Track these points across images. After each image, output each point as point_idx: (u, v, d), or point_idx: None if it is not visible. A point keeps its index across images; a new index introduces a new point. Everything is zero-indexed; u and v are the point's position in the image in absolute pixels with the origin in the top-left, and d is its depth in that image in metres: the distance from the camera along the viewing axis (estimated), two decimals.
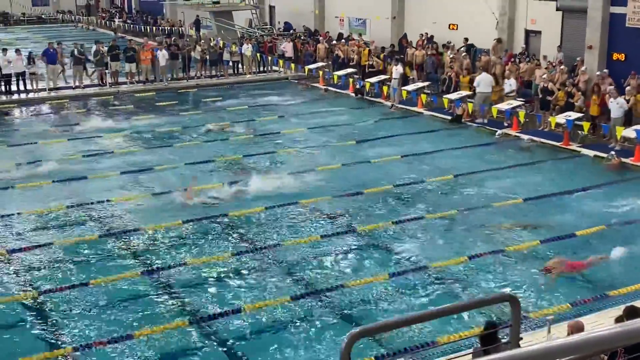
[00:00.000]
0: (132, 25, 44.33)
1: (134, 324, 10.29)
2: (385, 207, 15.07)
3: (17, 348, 9.72)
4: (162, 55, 28.06)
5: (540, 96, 21.19)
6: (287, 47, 31.47)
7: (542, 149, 19.42)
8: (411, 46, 28.60)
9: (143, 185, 16.58)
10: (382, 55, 27.87)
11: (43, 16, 53.67)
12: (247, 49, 30.41)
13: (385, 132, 21.39)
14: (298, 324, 10.23)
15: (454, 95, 23.21)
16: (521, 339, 4.18)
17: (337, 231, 13.70)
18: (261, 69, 31.44)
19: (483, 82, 22.12)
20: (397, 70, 25.30)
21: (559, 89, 20.81)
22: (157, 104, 25.75)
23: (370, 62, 27.72)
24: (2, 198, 15.53)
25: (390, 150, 19.32)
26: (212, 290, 11.39)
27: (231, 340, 9.88)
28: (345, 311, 10.61)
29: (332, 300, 10.89)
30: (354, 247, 13.06)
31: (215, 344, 9.82)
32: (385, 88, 25.44)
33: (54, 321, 10.45)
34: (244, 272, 11.98)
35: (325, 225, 14.09)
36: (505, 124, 21.17)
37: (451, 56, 25.71)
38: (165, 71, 28.45)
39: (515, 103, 21.67)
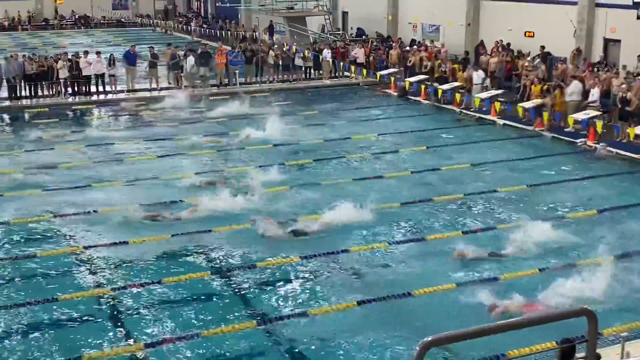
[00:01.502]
0: (207, 30, 45.18)
1: (203, 323, 10.44)
2: (454, 215, 14.87)
3: (88, 341, 10.01)
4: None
5: (619, 106, 20.56)
6: (358, 53, 31.48)
7: (621, 160, 18.85)
8: (486, 53, 28.20)
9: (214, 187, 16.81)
10: (455, 64, 27.54)
11: (122, 20, 55.24)
12: (327, 54, 30.56)
13: (456, 139, 21.16)
14: (363, 329, 10.19)
15: (529, 104, 22.75)
16: (599, 356, 4.05)
17: (405, 239, 13.60)
18: (333, 74, 31.54)
19: (576, 90, 21.56)
20: (478, 75, 25.02)
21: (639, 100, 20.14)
22: (229, 106, 26.04)
23: (443, 69, 27.45)
24: (82, 196, 15.96)
25: (462, 157, 19.09)
26: (280, 292, 11.46)
27: (297, 344, 9.91)
28: (409, 319, 10.51)
29: (396, 306, 10.81)
30: (421, 255, 12.92)
31: (281, 347, 9.87)
32: (458, 95, 25.16)
33: (126, 317, 10.72)
34: (310, 275, 12.02)
35: (392, 232, 13.99)
36: (582, 136, 20.58)
37: (526, 64, 25.23)
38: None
39: (592, 113, 21.07)
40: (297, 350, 9.78)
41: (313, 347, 9.82)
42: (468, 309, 10.58)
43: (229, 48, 31.22)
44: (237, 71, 29.33)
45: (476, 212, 15.17)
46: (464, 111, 24.34)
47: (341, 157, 19.43)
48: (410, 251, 13.01)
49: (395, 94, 27.96)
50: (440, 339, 3.12)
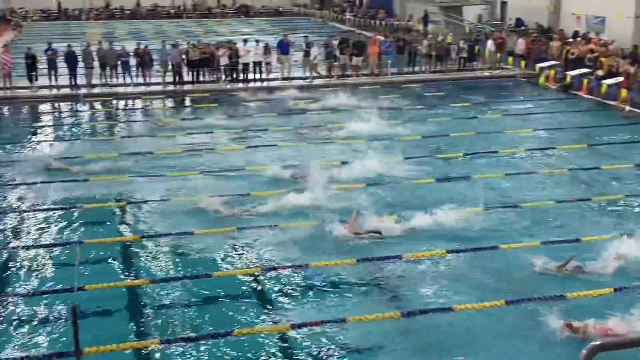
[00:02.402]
0: (361, 19, 45.40)
1: (348, 309, 10.50)
2: (614, 217, 14.03)
3: (238, 318, 10.37)
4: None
5: None
6: (520, 44, 30.36)
7: None
8: None
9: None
10: (623, 59, 25.94)
11: (280, 9, 56.66)
12: (491, 44, 29.83)
13: (620, 137, 19.96)
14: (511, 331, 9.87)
15: None
16: None
17: (558, 239, 12.99)
18: (489, 66, 30.71)
19: None
20: None
21: None
22: (380, 97, 26.08)
23: (611, 63, 25.91)
24: (233, 182, 16.50)
25: (626, 157, 17.98)
26: (424, 286, 11.31)
27: (440, 338, 9.74)
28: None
29: (545, 309, 10.36)
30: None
31: (422, 339, 9.74)
32: (623, 91, 23.68)
33: (273, 298, 11.01)
34: (456, 271, 11.77)
35: (545, 231, 13.41)
36: None
37: None
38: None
39: None
40: (438, 343, 9.62)
41: (456, 342, 9.62)
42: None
43: (382, 38, 31.18)
44: (389, 61, 29.25)
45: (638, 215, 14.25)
46: (632, 109, 22.86)
47: (493, 151, 18.87)
48: (563, 252, 12.39)
49: (555, 87, 26.80)
50: (608, 344, 2.90)
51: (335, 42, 29.24)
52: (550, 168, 17.27)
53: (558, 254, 12.00)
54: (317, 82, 28.28)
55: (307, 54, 28.54)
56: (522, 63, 29.03)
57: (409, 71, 29.60)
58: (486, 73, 29.67)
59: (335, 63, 28.95)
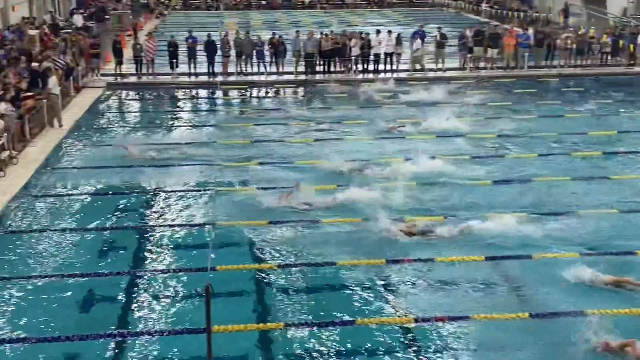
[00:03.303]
0: (498, 11, 44.18)
1: (473, 307, 10.30)
2: None
3: (360, 308, 10.42)
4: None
5: None
6: None
7: None
8: None
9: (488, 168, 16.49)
10: None
11: (414, 0, 56.03)
12: None
13: None
14: None
15: None
16: None
17: None
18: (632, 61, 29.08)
19: None
20: None
21: None
22: (515, 91, 25.33)
23: None
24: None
25: None
26: (554, 287, 10.88)
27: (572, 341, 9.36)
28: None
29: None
30: None
31: (551, 343, 9.39)
32: None
33: (397, 290, 10.96)
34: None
35: None
36: None
37: None
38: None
39: None
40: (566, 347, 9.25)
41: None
42: None
43: (520, 30, 30.18)
44: (526, 54, 28.29)
45: None
46: None
47: (635, 151, 17.87)
48: None
49: None
50: None
51: (470, 34, 28.61)
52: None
53: None
54: (449, 74, 27.83)
55: (440, 45, 28.12)
56: None
57: (546, 65, 28.50)
58: (638, 69, 28.08)
59: (469, 55, 28.34)
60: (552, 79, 27.28)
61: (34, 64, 21.83)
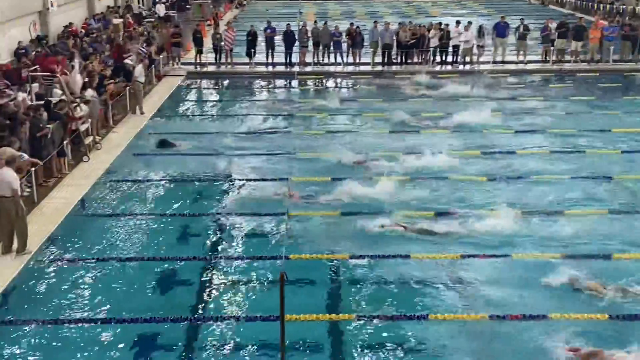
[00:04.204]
0: (582, 3, 42.86)
1: (555, 306, 10.06)
2: None
3: (433, 303, 10.33)
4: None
5: None
6: None
7: None
8: None
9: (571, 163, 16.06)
10: None
11: None
12: None
13: None
14: None
15: None
16: None
17: None
18: None
19: None
20: None
21: None
22: (599, 84, 24.54)
23: None
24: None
25: None
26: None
27: None
28: None
29: None
30: None
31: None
32: None
33: (470, 287, 10.81)
34: None
35: None
36: None
37: None
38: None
39: None
40: None
41: None
42: None
43: (605, 23, 29.16)
44: (611, 47, 27.33)
45: None
46: None
47: None
48: None
49: None
50: None
51: (553, 26, 27.82)
52: None
53: None
54: (530, 67, 27.19)
55: (522, 37, 27.45)
56: None
57: (633, 59, 27.45)
58: None
59: (552, 48, 27.58)
60: (639, 73, 26.28)
61: (127, 61, 22.50)
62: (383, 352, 9.16)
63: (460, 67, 27.14)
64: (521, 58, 27.60)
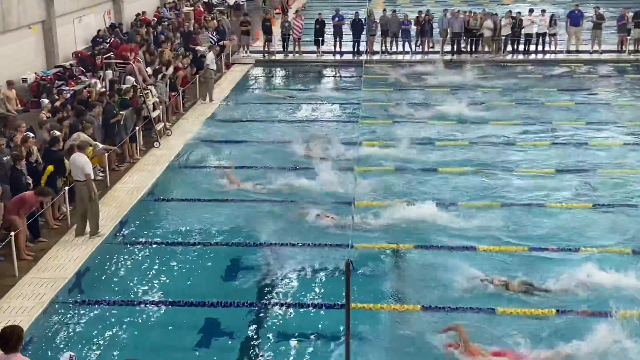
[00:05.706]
0: None
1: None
2: None
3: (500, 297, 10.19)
4: None
5: None
6: None
7: None
8: None
9: None
10: None
11: None
12: None
13: None
14: None
15: None
16: None
17: None
18: None
19: None
20: None
21: None
22: None
23: None
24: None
25: None
26: None
27: None
28: None
29: None
30: None
31: None
32: None
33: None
34: None
35: None
36: None
37: None
38: None
39: None
40: None
41: None
42: None
43: None
44: None
45: None
46: None
47: None
48: None
49: None
50: None
51: (630, 15, 26.85)
52: None
53: None
54: (605, 56, 26.34)
55: (597, 26, 26.61)
56: None
57: None
58: None
59: (629, 37, 26.64)
60: None
61: (199, 48, 22.91)
62: None
63: (532, 56, 26.51)
64: (596, 47, 26.78)
